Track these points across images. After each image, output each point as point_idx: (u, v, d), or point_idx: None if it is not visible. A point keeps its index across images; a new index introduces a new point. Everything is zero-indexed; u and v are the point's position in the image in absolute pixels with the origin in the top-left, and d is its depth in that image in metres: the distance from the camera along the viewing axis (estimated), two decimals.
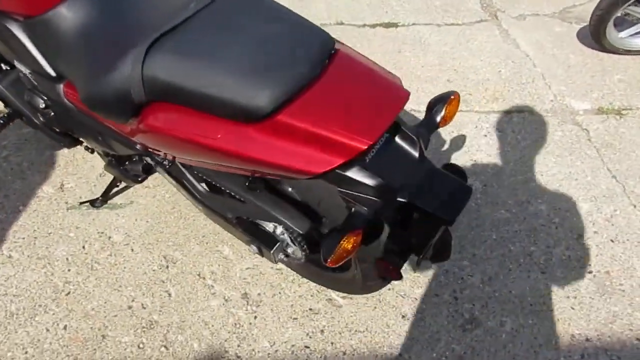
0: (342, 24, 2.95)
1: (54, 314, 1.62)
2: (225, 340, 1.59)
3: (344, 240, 1.02)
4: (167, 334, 1.59)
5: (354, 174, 1.03)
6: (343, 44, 1.16)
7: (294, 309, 1.66)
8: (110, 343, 1.56)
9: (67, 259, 1.76)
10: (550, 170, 2.10)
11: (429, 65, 2.66)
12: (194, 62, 1.05)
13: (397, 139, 1.11)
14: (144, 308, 1.65)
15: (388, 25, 2.97)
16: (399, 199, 1.07)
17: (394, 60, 2.68)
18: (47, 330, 1.58)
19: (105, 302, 1.66)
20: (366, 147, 0.97)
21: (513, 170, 2.10)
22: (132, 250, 1.79)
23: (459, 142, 2.24)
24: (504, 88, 2.51)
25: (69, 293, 1.68)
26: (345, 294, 1.67)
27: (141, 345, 1.57)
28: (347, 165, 1.02)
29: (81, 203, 1.90)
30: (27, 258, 1.75)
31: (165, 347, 1.57)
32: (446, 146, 2.23)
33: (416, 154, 1.10)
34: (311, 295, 1.68)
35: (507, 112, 2.38)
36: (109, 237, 1.83)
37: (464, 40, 2.84)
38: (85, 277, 1.72)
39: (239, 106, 1.01)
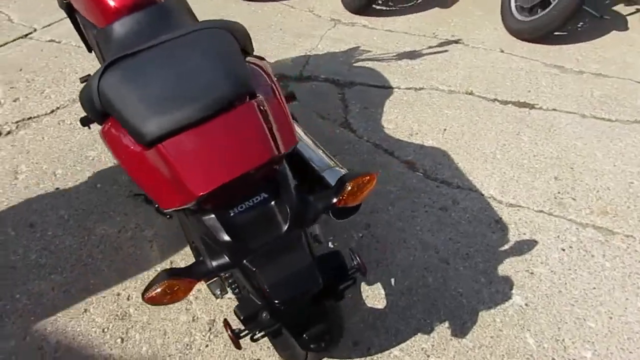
0: (471, 93, 2.77)
1: (65, 277, 1.85)
2: (169, 356, 1.61)
3: (165, 285, 0.98)
4: (130, 329, 1.68)
5: (211, 223, 1.00)
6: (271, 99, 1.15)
7: (244, 354, 1.60)
8: (86, 318, 1.71)
9: (102, 237, 1.99)
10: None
11: (542, 155, 2.33)
12: (125, 84, 1.13)
13: (272, 204, 1.03)
14: (129, 299, 1.77)
15: (522, 104, 2.69)
16: (245, 262, 1.00)
17: (504, 141, 2.42)
18: (52, 289, 1.81)
19: (103, 283, 1.82)
20: (197, 196, 0.95)
21: (565, 303, 1.71)
22: (152, 246, 1.94)
23: (523, 245, 1.91)
24: (623, 204, 2.06)
25: (85, 265, 1.89)
26: None
27: (105, 330, 1.68)
28: (209, 213, 1.00)
29: (135, 195, 2.14)
30: (77, 226, 2.03)
31: (122, 339, 1.65)
32: (505, 243, 1.91)
33: (283, 224, 1.01)
34: (268, 348, 1.60)
35: (609, 233, 1.94)
36: (142, 231, 2.01)
37: (605, 138, 2.42)
38: (105, 257, 1.92)
39: (135, 129, 1.07)
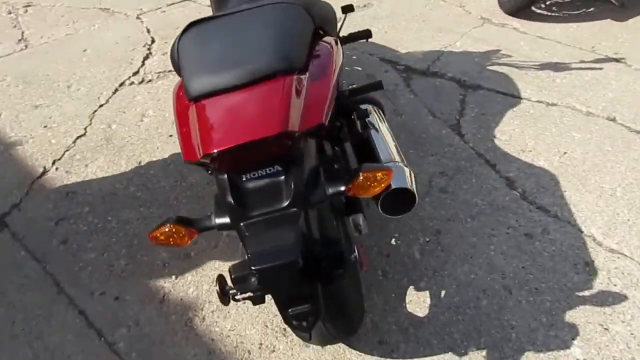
0: (613, 120, 2.44)
1: (150, 211, 2.07)
2: (209, 302, 1.72)
3: (171, 228, 1.05)
4: (186, 270, 1.83)
5: (222, 183, 1.05)
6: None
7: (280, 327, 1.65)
8: (155, 250, 1.91)
9: (191, 185, 2.18)
10: None
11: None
12: (191, 45, 1.23)
13: (281, 178, 1.05)
14: (194, 244, 1.92)
15: None
16: (241, 226, 1.04)
17: (631, 180, 2.10)
18: (137, 219, 2.04)
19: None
20: (197, 156, 0.99)
21: None
22: None
23: (608, 297, 1.66)
24: None
25: (170, 205, 2.10)
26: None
27: (166, 265, 1.86)
28: (223, 174, 1.06)
29: None
30: (175, 171, 2.25)
31: (175, 276, 1.81)
32: (587, 289, 1.68)
33: (285, 199, 1.02)
34: None
35: None
36: None
37: None
38: (189, 202, 2.10)
39: (185, 85, 1.16)
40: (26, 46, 3.21)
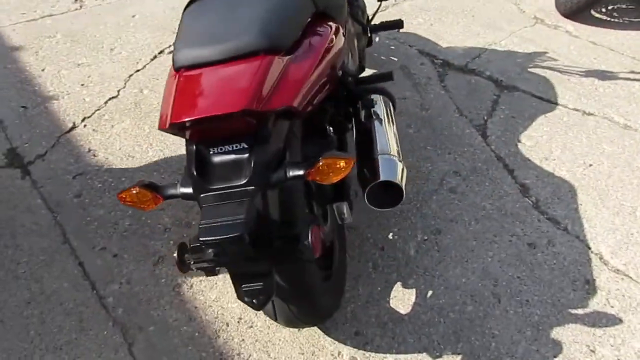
0: None
1: (167, 177, 2.14)
2: None
3: (138, 191, 1.09)
4: (185, 237, 1.89)
5: (189, 154, 1.08)
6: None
7: None
8: (160, 213, 1.98)
9: None
10: None
11: None
12: (188, 17, 1.26)
13: (245, 155, 1.05)
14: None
15: None
16: (200, 197, 1.06)
17: None
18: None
19: None
20: (166, 125, 1.02)
21: None
22: None
23: (602, 318, 1.59)
24: None
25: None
26: None
27: (166, 230, 1.92)
28: (192, 145, 1.08)
29: None
30: None
31: (174, 242, 1.88)
32: (581, 307, 1.61)
33: (244, 177, 1.03)
34: None
35: None
36: None
37: None
38: None
39: (173, 55, 1.18)
40: (81, 6, 3.35)
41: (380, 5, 2.41)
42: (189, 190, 1.09)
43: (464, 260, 1.78)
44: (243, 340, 1.56)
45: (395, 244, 1.84)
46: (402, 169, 1.47)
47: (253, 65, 1.08)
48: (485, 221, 1.91)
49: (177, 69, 1.15)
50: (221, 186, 1.05)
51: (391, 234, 1.88)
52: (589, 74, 2.72)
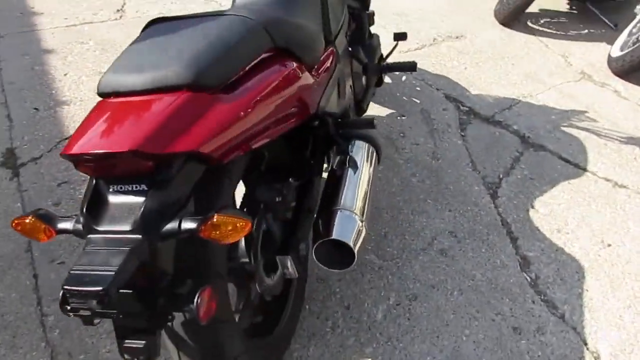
0: None
1: None
2: None
3: (32, 220, 0.99)
4: None
5: (88, 188, 0.98)
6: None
7: None
8: None
9: None
10: None
11: None
12: (136, 41, 1.15)
13: (139, 199, 0.93)
14: None
15: None
16: (87, 238, 0.95)
17: None
18: None
19: None
20: (61, 154, 0.92)
21: None
22: None
23: None
24: None
25: None
26: None
27: None
28: (93, 179, 0.98)
29: None
30: None
31: None
32: None
33: (134, 219, 0.91)
34: None
35: None
36: None
37: None
38: None
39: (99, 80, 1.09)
40: (121, 17, 3.42)
41: (396, 45, 2.28)
42: (79, 227, 0.98)
43: (435, 334, 1.58)
44: None
45: (363, 304, 1.66)
46: (360, 230, 1.33)
47: (167, 100, 0.97)
48: (470, 293, 1.70)
49: (100, 95, 1.05)
50: (108, 229, 0.93)
51: (362, 291, 1.70)
52: (631, 141, 2.46)
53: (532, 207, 2.06)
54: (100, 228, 0.93)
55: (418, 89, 2.80)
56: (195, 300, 0.93)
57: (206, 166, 1.02)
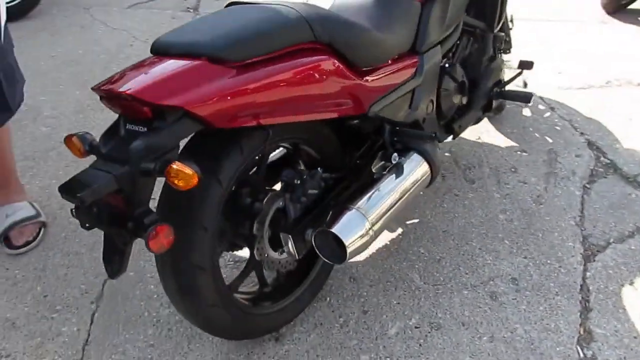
0: None
1: None
2: None
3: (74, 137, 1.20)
4: None
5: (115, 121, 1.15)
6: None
7: None
8: None
9: None
10: None
11: None
12: (208, 14, 1.33)
13: (137, 136, 1.07)
14: None
15: None
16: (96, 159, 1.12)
17: None
18: None
19: None
20: (93, 88, 1.11)
21: None
22: None
23: None
24: None
25: None
26: None
27: None
28: (120, 115, 1.14)
29: None
30: None
31: None
32: None
33: (124, 150, 1.05)
34: None
35: None
36: None
37: None
38: None
39: None
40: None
41: (520, 73, 2.13)
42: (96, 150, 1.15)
43: None
44: None
45: (382, 315, 1.63)
46: (364, 235, 1.34)
47: (182, 63, 1.10)
48: (501, 344, 1.54)
49: (151, 52, 1.22)
50: (107, 155, 1.09)
51: (387, 303, 1.67)
52: None
53: (632, 284, 1.75)
54: (103, 152, 1.10)
55: (558, 128, 2.55)
56: (149, 230, 1.05)
57: (202, 127, 1.11)
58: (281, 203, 1.40)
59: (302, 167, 1.46)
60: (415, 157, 1.56)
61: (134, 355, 1.50)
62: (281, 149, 1.53)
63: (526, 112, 2.66)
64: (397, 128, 1.58)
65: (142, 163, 1.04)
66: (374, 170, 1.53)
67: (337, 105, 1.34)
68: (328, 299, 1.68)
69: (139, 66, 1.15)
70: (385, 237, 1.91)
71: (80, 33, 3.71)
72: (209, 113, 1.07)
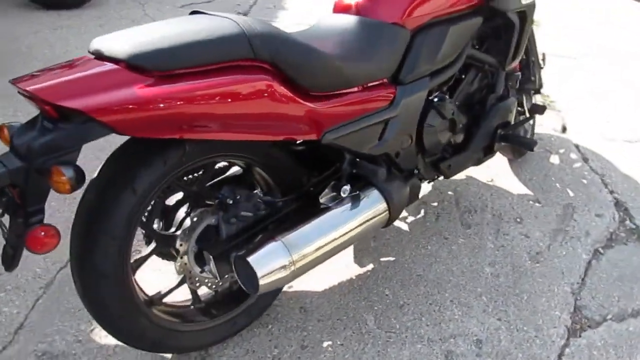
0: None
1: None
2: None
3: None
4: None
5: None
6: None
7: None
8: None
9: None
10: None
11: None
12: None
13: (45, 131, 1.05)
14: None
15: None
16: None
17: None
18: None
19: None
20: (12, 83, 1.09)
21: None
22: None
23: None
24: None
25: None
26: None
27: None
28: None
29: None
30: None
31: None
32: None
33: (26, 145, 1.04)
34: None
35: None
36: None
37: None
38: None
39: None
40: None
41: (530, 118, 1.96)
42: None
43: None
44: None
45: (319, 354, 1.52)
46: (282, 268, 1.25)
47: (97, 66, 1.08)
48: None
49: (88, 52, 1.19)
50: (14, 147, 1.07)
51: (330, 341, 1.56)
52: None
53: None
54: (13, 144, 1.08)
55: (584, 181, 2.31)
56: (28, 229, 1.03)
57: (112, 132, 1.07)
58: (213, 221, 1.35)
59: (243, 188, 1.39)
60: (372, 194, 1.45)
61: (60, 348, 1.50)
62: (237, 167, 1.47)
63: (554, 159, 2.44)
64: (357, 160, 1.47)
65: (37, 160, 1.03)
66: (321, 201, 1.44)
67: (278, 128, 1.26)
68: (270, 326, 1.59)
69: (64, 65, 1.13)
70: (352, 271, 1.80)
71: (129, 26, 3.85)
72: (113, 120, 1.03)
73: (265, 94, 1.19)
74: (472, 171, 2.28)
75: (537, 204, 2.16)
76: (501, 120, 1.84)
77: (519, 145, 1.91)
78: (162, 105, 1.07)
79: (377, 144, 1.49)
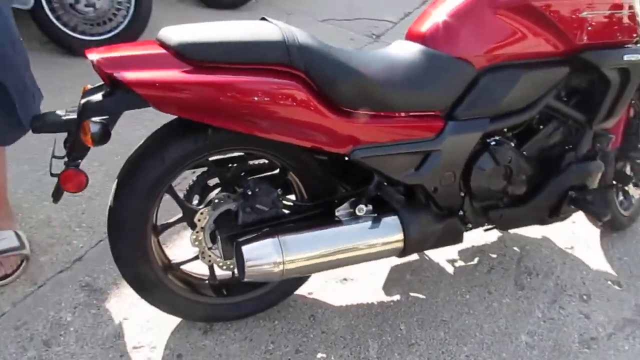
0: None
1: None
2: None
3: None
4: None
5: None
6: None
7: None
8: None
9: None
10: None
11: None
12: None
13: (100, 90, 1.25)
14: None
15: None
16: None
17: None
18: None
19: None
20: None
21: None
22: None
23: None
24: None
25: None
26: None
27: None
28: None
29: None
30: None
31: None
32: None
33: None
34: None
35: None
36: None
37: None
38: None
39: None
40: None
41: (610, 186, 1.73)
42: None
43: None
44: None
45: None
46: (270, 266, 1.33)
47: (151, 49, 1.25)
48: None
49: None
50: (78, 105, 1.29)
51: (325, 356, 1.57)
52: None
53: None
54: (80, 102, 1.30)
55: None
56: (63, 170, 1.24)
57: (149, 105, 1.23)
58: (234, 207, 1.45)
59: (265, 184, 1.47)
60: (390, 221, 1.44)
61: (99, 285, 1.71)
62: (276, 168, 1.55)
63: None
64: (385, 184, 1.47)
65: (84, 116, 1.23)
66: (336, 214, 1.46)
67: (302, 134, 1.32)
68: (276, 322, 1.65)
69: (131, 44, 1.33)
70: (376, 297, 1.77)
71: None
72: (148, 94, 1.18)
73: (292, 99, 1.27)
74: (551, 233, 2.09)
75: (615, 287, 1.90)
76: (577, 182, 1.67)
77: (587, 212, 1.71)
78: (191, 89, 1.21)
79: (412, 174, 1.47)
